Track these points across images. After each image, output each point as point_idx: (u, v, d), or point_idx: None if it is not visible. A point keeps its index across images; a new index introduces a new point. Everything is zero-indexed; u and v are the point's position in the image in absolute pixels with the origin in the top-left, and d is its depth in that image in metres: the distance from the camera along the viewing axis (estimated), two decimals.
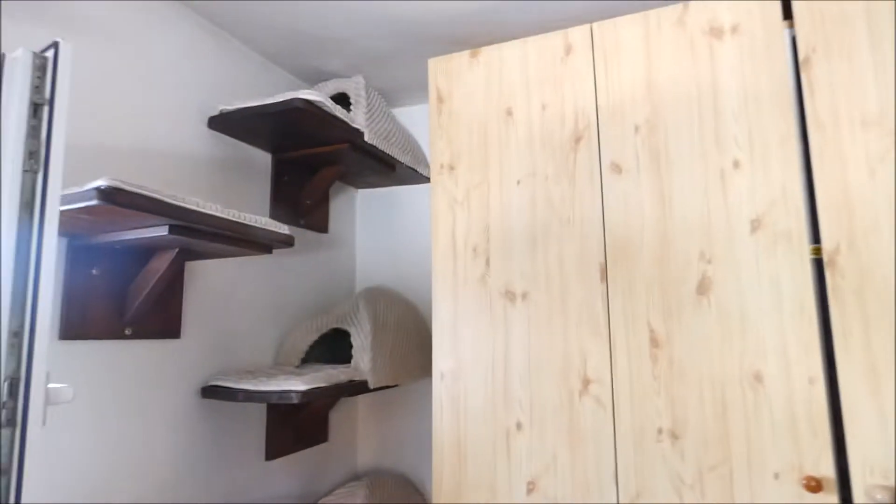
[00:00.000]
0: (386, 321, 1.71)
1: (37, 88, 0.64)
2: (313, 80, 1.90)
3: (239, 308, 1.55)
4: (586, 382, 1.25)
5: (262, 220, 1.16)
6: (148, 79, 1.33)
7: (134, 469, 1.22)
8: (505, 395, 1.33)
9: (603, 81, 1.34)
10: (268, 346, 1.64)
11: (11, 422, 0.58)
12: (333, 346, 1.74)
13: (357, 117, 1.63)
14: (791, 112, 1.14)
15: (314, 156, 1.67)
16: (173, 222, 0.99)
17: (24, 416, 0.59)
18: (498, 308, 1.36)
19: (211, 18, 1.52)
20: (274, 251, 1.67)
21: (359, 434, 2.04)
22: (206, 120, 1.48)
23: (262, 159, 1.70)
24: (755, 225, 1.15)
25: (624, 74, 1.32)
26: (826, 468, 1.03)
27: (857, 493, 1.00)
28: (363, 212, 2.21)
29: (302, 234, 1.85)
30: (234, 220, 1.08)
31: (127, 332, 1.19)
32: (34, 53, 0.64)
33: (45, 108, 0.64)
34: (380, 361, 1.57)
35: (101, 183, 0.84)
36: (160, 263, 1.16)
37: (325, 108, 1.40)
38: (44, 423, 0.59)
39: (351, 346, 1.65)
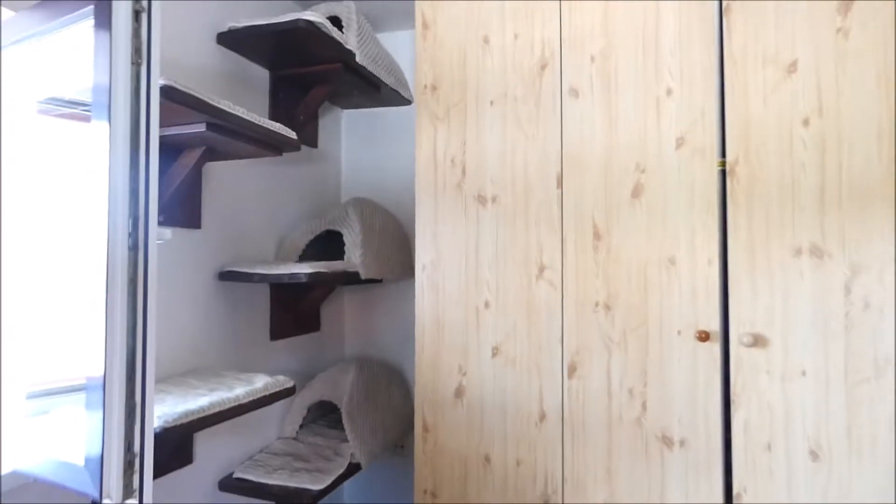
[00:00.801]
0: (372, 225, 1.96)
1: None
2: (306, 2, 2.04)
3: (245, 209, 1.77)
4: (542, 269, 1.56)
5: (274, 124, 1.37)
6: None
7: (162, 340, 1.46)
8: (476, 280, 1.63)
9: (567, 16, 1.57)
10: (269, 244, 1.88)
11: (135, 246, 0.83)
12: (327, 247, 1.99)
13: (349, 39, 1.80)
14: (713, 49, 1.41)
15: (309, 74, 1.85)
16: (210, 120, 1.19)
17: (146, 243, 0.83)
18: (471, 209, 1.64)
19: None
20: (270, 162, 1.88)
21: (346, 325, 2.34)
22: (214, 36, 1.64)
23: (262, 75, 1.86)
24: (679, 142, 1.44)
25: (585, 11, 1.55)
26: (714, 324, 1.39)
27: (733, 339, 1.36)
28: (348, 130, 2.41)
29: (292, 154, 2.04)
30: (256, 122, 1.29)
31: (160, 218, 1.41)
32: None
33: (144, 15, 0.84)
34: (368, 256, 1.84)
35: (161, 81, 1.04)
36: (189, 160, 1.36)
37: (324, 29, 1.58)
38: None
39: (341, 248, 1.91)
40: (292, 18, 1.52)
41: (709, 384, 1.38)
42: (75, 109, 1.25)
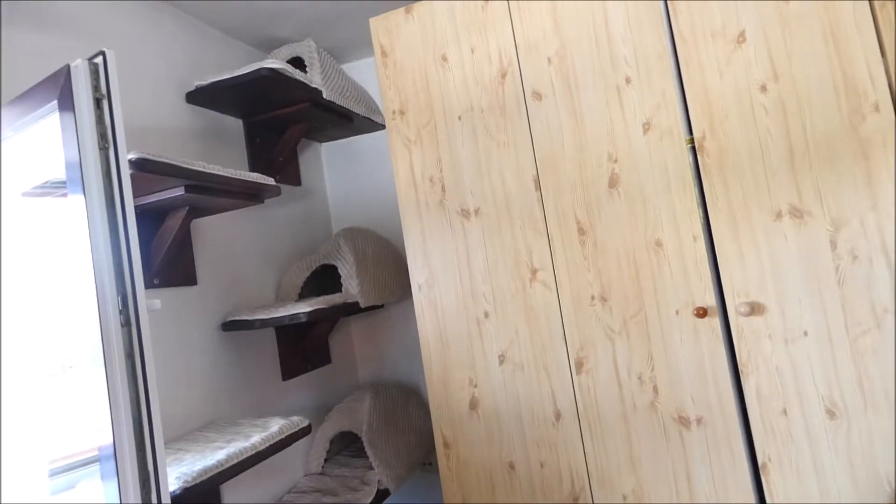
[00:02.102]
0: (365, 253, 1.99)
1: (95, 87, 0.87)
2: (268, 47, 2.09)
3: (238, 257, 1.81)
4: (534, 271, 1.59)
5: (252, 174, 1.41)
6: (127, 66, 1.52)
7: (173, 394, 1.50)
8: (472, 293, 1.66)
9: (518, 24, 1.60)
10: (268, 286, 1.92)
11: (127, 322, 0.86)
12: (323, 282, 2.03)
13: (314, 77, 1.85)
14: (663, 32, 1.44)
15: (281, 116, 1.90)
16: (187, 182, 1.23)
17: (137, 318, 0.86)
18: (457, 224, 1.67)
19: (177, 5, 1.69)
20: (258, 207, 1.92)
21: (356, 353, 2.36)
22: (183, 96, 1.69)
23: (235, 125, 1.91)
24: (646, 127, 1.46)
25: (535, 16, 1.58)
26: (709, 299, 1.40)
27: (731, 311, 1.37)
28: (329, 162, 2.45)
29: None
30: (233, 176, 1.33)
31: (155, 281, 1.44)
32: (89, 61, 0.87)
33: (105, 101, 0.88)
34: (366, 285, 1.87)
35: (132, 156, 1.08)
36: (174, 222, 1.40)
37: (286, 73, 1.62)
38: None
39: (339, 279, 1.94)
40: (254, 69, 1.56)
41: (715, 359, 1.39)
42: (59, 189, 1.29)
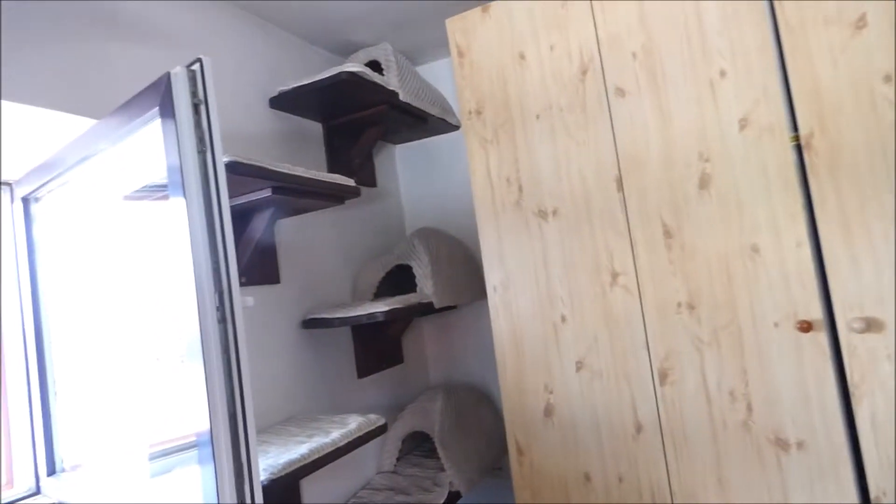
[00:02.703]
0: (439, 254, 1.99)
1: (193, 93, 0.91)
2: (345, 52, 2.13)
3: (317, 256, 1.86)
4: (614, 275, 1.52)
5: (334, 175, 1.44)
6: (214, 74, 1.59)
7: (257, 387, 1.55)
8: (549, 296, 1.61)
9: (601, 18, 1.53)
10: (344, 285, 1.96)
11: (223, 319, 0.89)
12: (399, 280, 2.04)
13: (390, 80, 1.87)
14: (765, 21, 1.33)
15: (358, 119, 1.93)
16: (275, 184, 1.27)
17: (233, 315, 0.89)
18: (534, 225, 1.62)
19: (256, 13, 1.76)
20: (335, 207, 1.96)
21: (428, 353, 2.37)
22: (266, 101, 1.75)
23: (315, 128, 1.97)
24: (743, 124, 1.36)
25: (619, 9, 1.51)
26: (815, 312, 1.28)
27: (841, 327, 1.25)
28: (403, 164, 2.47)
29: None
30: (316, 178, 1.36)
31: (242, 280, 1.50)
32: (187, 68, 0.92)
33: (203, 107, 0.92)
34: (440, 285, 1.87)
35: (225, 159, 1.13)
36: (260, 223, 1.46)
37: (365, 77, 1.65)
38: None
39: (413, 280, 1.95)
40: (335, 73, 1.59)
41: (820, 379, 1.27)
42: (156, 193, 1.38)
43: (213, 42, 1.61)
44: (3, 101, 1.12)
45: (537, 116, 1.62)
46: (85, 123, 1.26)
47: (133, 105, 1.01)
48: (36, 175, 1.35)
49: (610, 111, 1.52)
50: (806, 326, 1.27)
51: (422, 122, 2.07)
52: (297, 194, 1.34)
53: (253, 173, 1.18)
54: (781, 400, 1.31)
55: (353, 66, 1.59)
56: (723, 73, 1.38)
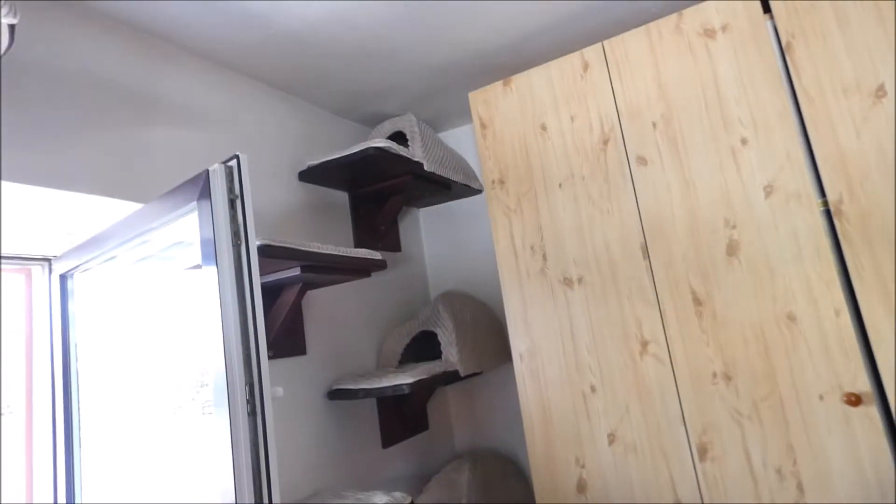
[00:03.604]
0: (463, 318, 1.98)
1: (230, 188, 0.95)
2: (372, 122, 2.22)
3: (343, 325, 1.87)
4: (644, 344, 1.48)
5: (361, 251, 1.46)
6: (247, 150, 1.67)
7: (282, 465, 1.53)
8: (577, 364, 1.58)
9: (620, 89, 1.57)
10: (369, 352, 1.96)
11: (253, 412, 0.89)
12: (423, 346, 2.03)
13: (415, 151, 1.92)
14: (783, 90, 1.34)
15: (384, 189, 1.98)
16: (302, 263, 1.30)
17: (262, 407, 0.89)
18: (559, 293, 1.61)
19: (286, 90, 1.85)
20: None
21: (453, 420, 2.32)
22: (296, 174, 1.82)
23: (341, 198, 2.02)
24: (768, 190, 1.35)
25: (637, 80, 1.55)
26: (862, 384, 1.22)
27: (892, 399, 1.18)
28: (427, 227, 2.51)
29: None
30: (343, 254, 1.38)
31: (270, 353, 1.52)
32: (225, 165, 0.96)
33: (238, 201, 0.95)
34: (465, 352, 1.85)
35: (259, 242, 1.16)
36: (288, 297, 1.48)
37: (392, 151, 1.70)
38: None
39: (438, 345, 1.94)
40: (362, 148, 1.65)
41: (876, 456, 1.20)
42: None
43: (248, 119, 1.70)
44: (49, 189, 1.18)
45: (560, 185, 1.64)
46: (125, 206, 1.32)
47: (173, 196, 1.05)
48: (75, 253, 1.41)
49: (632, 179, 1.53)
50: (854, 399, 1.22)
51: (445, 188, 2.11)
52: (325, 271, 1.37)
53: (283, 255, 1.21)
54: (834, 477, 1.24)
55: (380, 141, 1.65)
56: (744, 141, 1.39)
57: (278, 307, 1.49)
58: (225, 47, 1.56)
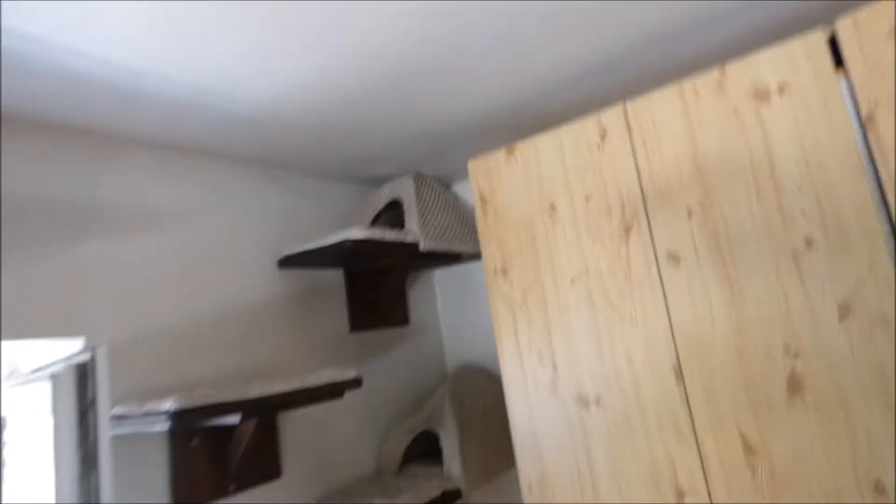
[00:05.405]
0: (474, 412, 1.72)
1: (80, 397, 0.75)
2: (370, 184, 2.00)
3: (335, 427, 1.65)
4: (681, 494, 1.17)
5: (328, 374, 1.24)
6: (220, 238, 1.48)
7: None
8: None
9: (645, 164, 1.26)
10: (368, 452, 1.73)
11: None
12: (431, 440, 1.79)
13: (411, 226, 1.68)
14: (864, 177, 1.00)
15: (381, 266, 1.75)
16: (245, 407, 1.09)
17: None
18: (573, 414, 1.32)
19: (261, 164, 1.66)
20: (362, 358, 1.77)
21: None
22: (275, 262, 1.62)
23: (334, 274, 1.81)
24: (843, 311, 1.01)
25: (667, 153, 1.23)
26: None
27: None
28: (442, 289, 2.26)
29: (384, 335, 1.93)
30: (300, 388, 1.16)
31: (231, 488, 1.32)
32: (76, 365, 0.76)
33: (91, 411, 0.75)
34: (470, 461, 1.59)
35: (168, 406, 0.95)
36: (248, 427, 1.27)
37: (375, 239, 1.46)
38: None
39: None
40: (339, 240, 1.43)
41: None
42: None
43: (212, 203, 1.51)
44: None
45: (572, 281, 1.35)
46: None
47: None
48: None
49: (661, 280, 1.22)
50: None
51: (453, 259, 1.86)
52: (280, 408, 1.15)
53: (204, 415, 1.00)
54: None
55: (358, 231, 1.42)
56: (809, 242, 1.05)
57: (238, 436, 1.30)
58: (174, 134, 1.37)
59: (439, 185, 1.99)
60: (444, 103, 1.47)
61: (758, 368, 1.09)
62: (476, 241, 1.95)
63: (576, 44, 1.26)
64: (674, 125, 1.23)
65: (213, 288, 1.44)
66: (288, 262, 1.61)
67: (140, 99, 1.19)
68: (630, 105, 1.30)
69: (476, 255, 2.04)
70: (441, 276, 2.28)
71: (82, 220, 1.22)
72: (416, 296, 2.15)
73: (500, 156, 1.51)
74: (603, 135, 1.33)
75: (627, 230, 1.28)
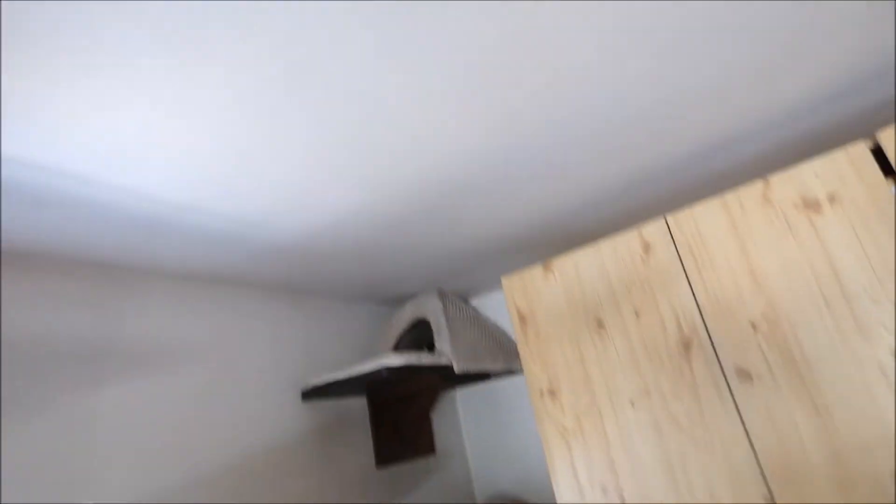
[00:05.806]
0: None
1: None
2: (392, 303, 1.93)
3: None
4: None
5: None
6: (241, 372, 1.37)
7: None
8: None
9: (697, 277, 1.22)
10: None
11: None
12: None
13: (442, 346, 1.59)
14: None
15: (409, 391, 1.63)
16: None
17: None
18: None
19: (285, 290, 1.59)
20: (390, 495, 1.58)
21: None
22: (298, 392, 1.49)
23: (358, 403, 1.67)
24: None
25: (720, 266, 1.20)
26: None
27: None
28: (466, 411, 2.11)
29: (410, 468, 1.76)
30: None
31: None
32: None
33: None
34: None
35: None
36: None
37: (412, 364, 1.37)
38: None
39: None
40: (372, 369, 1.32)
41: None
42: None
43: (244, 329, 1.41)
44: None
45: (632, 403, 1.25)
46: None
47: None
48: None
49: (734, 400, 1.13)
50: None
51: (483, 378, 1.74)
52: None
53: None
54: None
55: (394, 358, 1.33)
56: (893, 352, 0.99)
57: None
58: (201, 264, 1.31)
59: (461, 300, 1.93)
60: (480, 224, 1.45)
61: (861, 494, 0.97)
62: (504, 358, 1.85)
63: (619, 161, 1.27)
64: (722, 237, 1.21)
65: (235, 428, 1.30)
66: (313, 394, 1.48)
67: (173, 232, 1.14)
68: (671, 218, 1.29)
69: (505, 372, 1.94)
70: (464, 396, 2.15)
71: (92, 364, 1.11)
72: (438, 419, 2.00)
73: (536, 272, 1.47)
74: (646, 248, 1.31)
75: (687, 346, 1.20)
